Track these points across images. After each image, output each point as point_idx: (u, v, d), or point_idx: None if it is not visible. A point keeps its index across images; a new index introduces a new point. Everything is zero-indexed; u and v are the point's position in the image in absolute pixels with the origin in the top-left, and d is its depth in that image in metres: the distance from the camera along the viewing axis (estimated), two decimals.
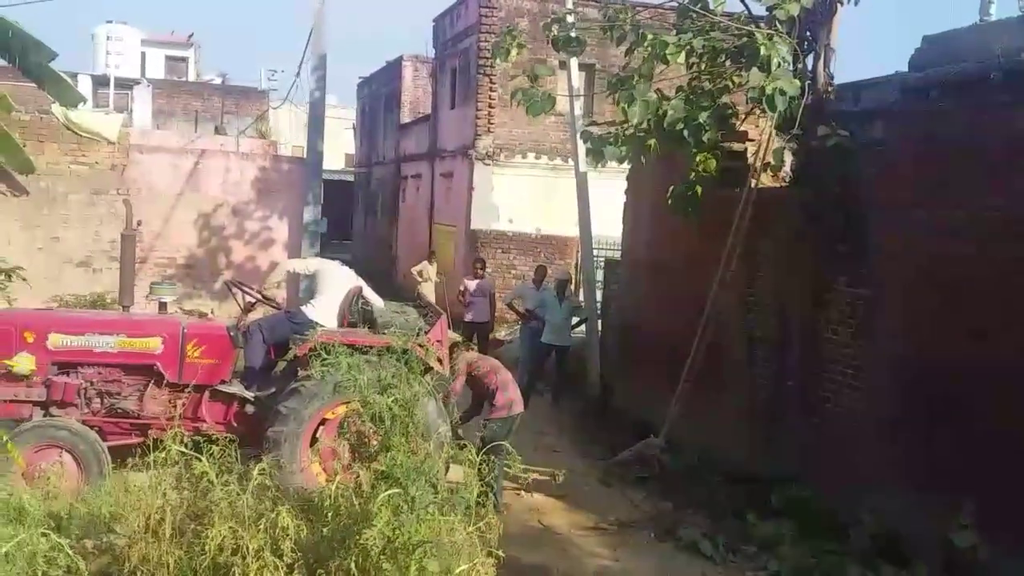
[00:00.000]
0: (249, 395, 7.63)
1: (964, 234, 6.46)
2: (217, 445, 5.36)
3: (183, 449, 5.32)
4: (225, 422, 7.60)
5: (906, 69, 7.28)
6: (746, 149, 9.10)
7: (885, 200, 7.25)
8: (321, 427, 7.23)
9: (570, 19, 9.66)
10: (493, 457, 6.88)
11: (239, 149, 15.53)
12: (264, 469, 5.30)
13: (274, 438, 7.10)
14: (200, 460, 5.16)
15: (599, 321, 12.80)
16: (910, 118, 7.05)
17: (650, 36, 8.18)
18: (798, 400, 8.18)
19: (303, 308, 8.09)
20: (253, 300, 8.18)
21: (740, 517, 7.76)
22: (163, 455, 5.24)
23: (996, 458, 6.15)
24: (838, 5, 8.07)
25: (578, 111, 12.95)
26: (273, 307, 8.47)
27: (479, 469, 6.15)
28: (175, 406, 7.32)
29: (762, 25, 8.00)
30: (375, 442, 5.54)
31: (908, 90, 7.06)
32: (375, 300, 8.23)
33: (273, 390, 7.59)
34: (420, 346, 7.18)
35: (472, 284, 13.91)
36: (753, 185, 8.51)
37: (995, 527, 6.08)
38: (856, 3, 8.15)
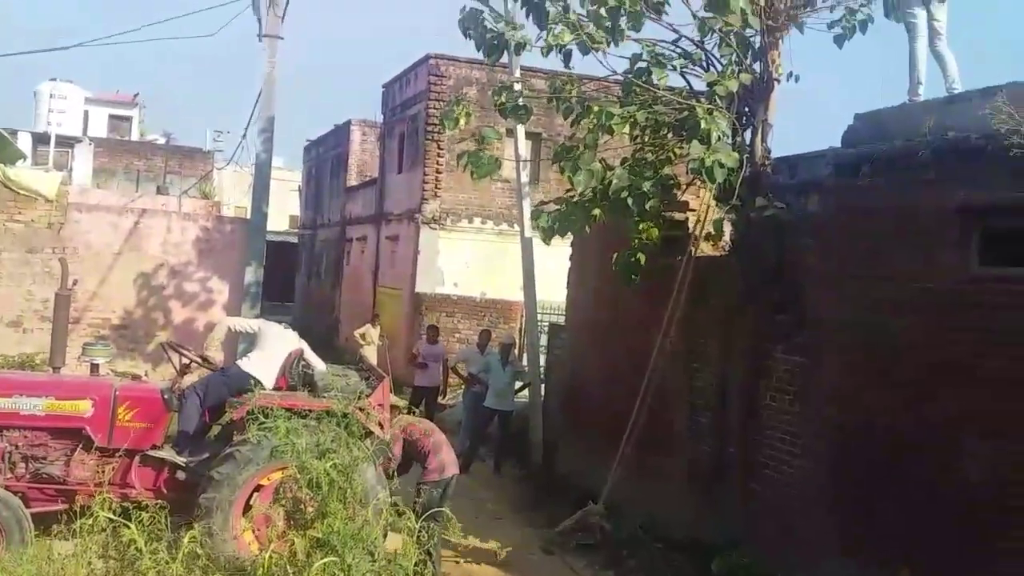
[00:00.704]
0: (181, 461, 7.40)
1: (895, 305, 6.66)
2: (147, 512, 5.18)
3: (111, 516, 5.12)
4: (155, 488, 7.34)
5: (839, 145, 7.56)
6: (687, 218, 9.31)
7: (820, 271, 7.45)
8: (256, 493, 7.02)
9: (517, 87, 9.86)
10: (432, 524, 6.76)
11: (181, 209, 15.37)
12: (195, 537, 5.13)
13: (206, 505, 6.87)
14: (128, 527, 4.97)
15: (542, 386, 12.80)
16: (843, 192, 7.29)
17: (596, 108, 8.38)
18: (739, 466, 8.22)
19: (238, 362, 7.93)
20: (189, 362, 7.99)
21: None
22: (90, 522, 5.04)
23: (931, 524, 6.24)
24: (775, 83, 8.38)
25: (524, 178, 13.14)
26: (211, 369, 8.28)
27: (417, 537, 6.03)
28: (104, 471, 7.08)
29: (703, 100, 8.26)
30: (312, 509, 5.41)
31: (841, 165, 7.32)
32: (316, 363, 8.11)
33: (207, 455, 7.37)
34: (361, 410, 7.07)
35: (425, 348, 13.88)
36: (693, 254, 8.68)
37: None
38: (796, 80, 8.47)
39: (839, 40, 8.63)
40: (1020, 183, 5.71)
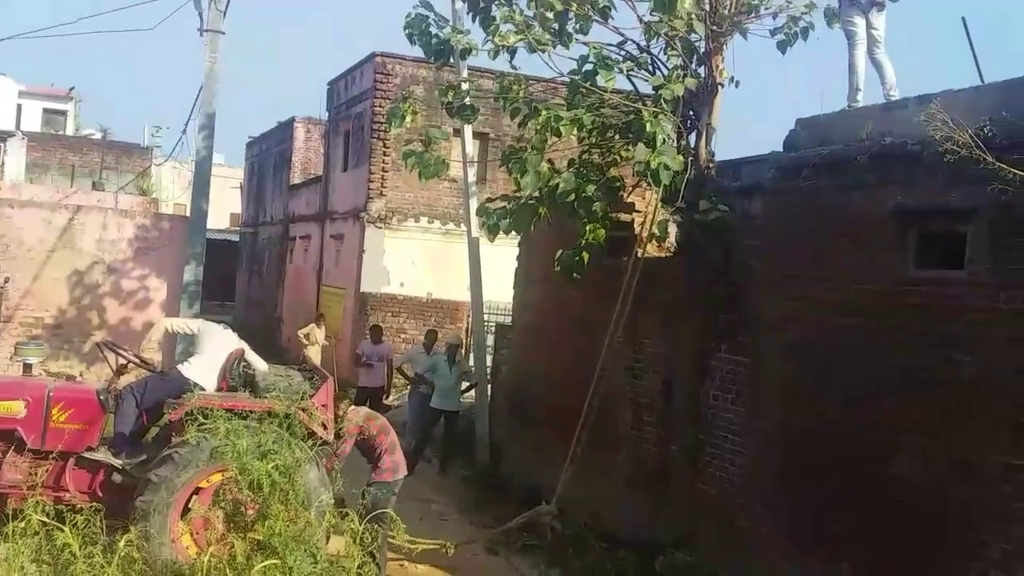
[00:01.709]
0: (117, 463, 7.21)
1: (835, 305, 6.80)
2: (81, 515, 5.03)
3: (44, 519, 4.96)
4: (91, 491, 7.14)
5: (781, 149, 7.69)
6: (633, 220, 9.39)
7: (762, 272, 7.58)
8: (195, 496, 6.88)
9: (465, 87, 9.83)
10: (376, 526, 6.70)
11: (118, 205, 15.02)
12: (131, 541, 5.00)
13: (143, 508, 6.70)
14: (62, 531, 4.82)
15: (489, 386, 12.79)
16: (785, 195, 7.43)
17: (544, 110, 8.40)
18: (683, 465, 8.31)
19: (179, 367, 7.75)
20: (126, 362, 7.80)
21: None
22: (22, 526, 4.87)
23: (872, 521, 6.38)
24: (719, 87, 8.50)
25: (472, 178, 13.12)
26: (149, 370, 8.09)
27: (361, 538, 5.97)
28: (37, 474, 6.87)
29: (648, 104, 8.34)
30: (252, 511, 5.32)
31: (783, 169, 7.46)
32: (258, 363, 7.97)
33: (144, 457, 7.20)
34: (303, 410, 6.98)
35: (369, 348, 13.76)
36: (640, 254, 8.76)
37: None
38: (737, 85, 8.61)
39: (782, 46, 8.80)
40: (954, 187, 5.88)
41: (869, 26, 7.90)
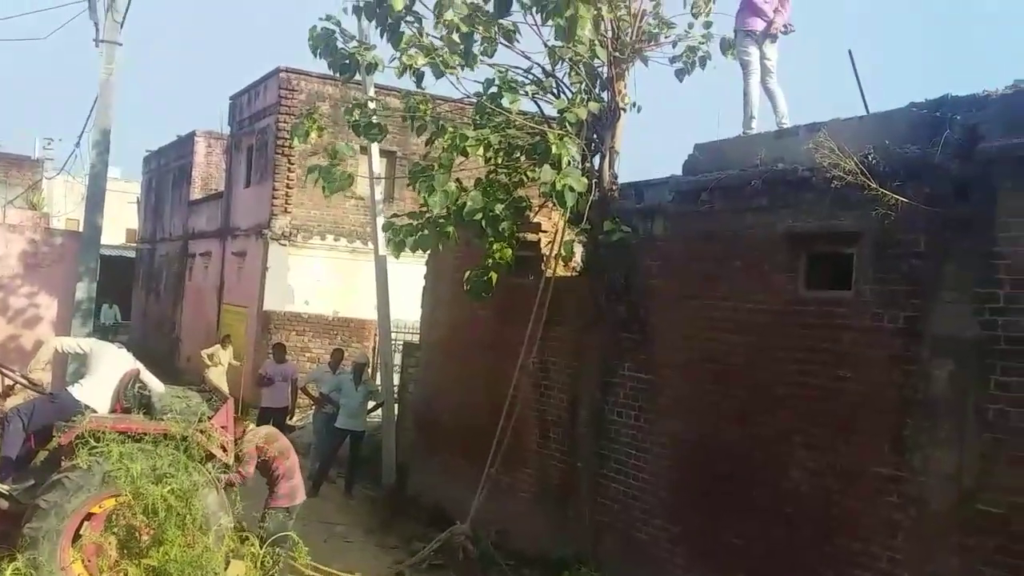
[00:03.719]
0: (3, 489, 6.87)
1: (731, 324, 7.05)
2: None
3: None
4: None
5: (680, 172, 7.95)
6: (540, 240, 9.52)
7: (663, 291, 7.80)
8: (86, 522, 6.62)
9: (372, 105, 9.80)
10: (277, 550, 6.57)
11: (6, 220, 14.36)
12: (19, 569, 4.78)
13: (31, 535, 6.42)
14: None
15: (396, 405, 12.69)
16: (684, 217, 7.68)
17: (451, 129, 8.46)
18: (587, 481, 8.44)
19: (69, 389, 7.45)
20: (12, 383, 7.46)
21: None
22: None
23: (766, 533, 6.61)
24: (621, 112, 8.73)
25: (379, 196, 13.05)
26: (37, 391, 7.75)
27: (262, 563, 5.85)
28: None
29: (554, 126, 8.50)
30: (147, 537, 5.16)
31: (682, 192, 7.71)
32: (154, 384, 7.72)
33: (32, 482, 6.89)
34: (201, 432, 6.81)
35: (273, 367, 13.46)
36: (548, 274, 8.89)
37: None
38: (639, 111, 8.86)
39: (680, 74, 9.11)
40: (841, 212, 6.20)
41: (763, 56, 8.26)
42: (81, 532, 6.57)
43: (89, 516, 6.64)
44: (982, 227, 5.41)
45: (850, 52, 7.51)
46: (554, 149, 7.88)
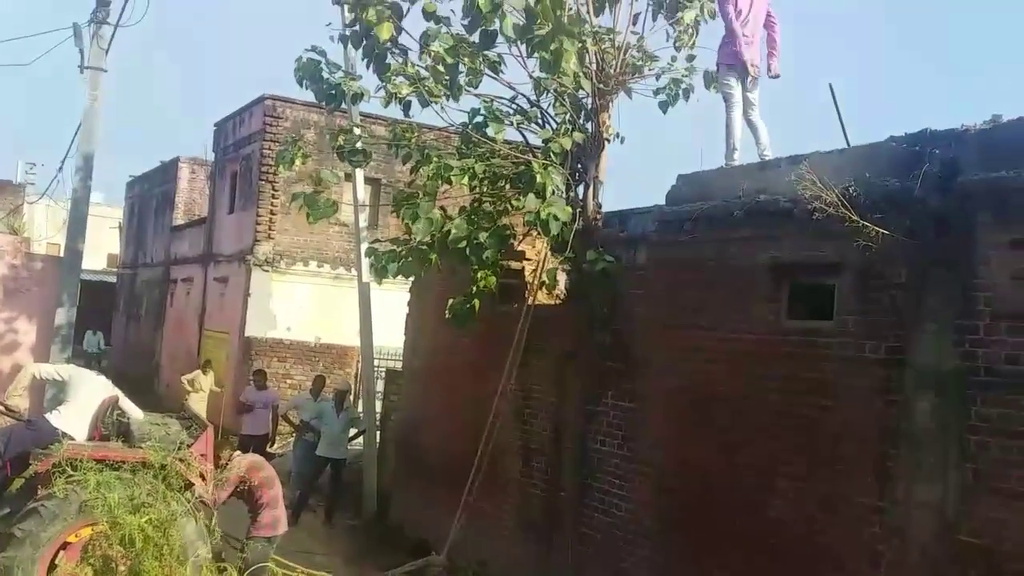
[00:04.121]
0: None
1: (714, 353, 7.07)
2: None
3: None
4: None
5: (664, 202, 8.00)
6: (523, 268, 9.54)
7: (646, 320, 7.82)
8: (62, 552, 6.52)
9: (357, 131, 9.83)
10: None
11: None
12: None
13: (6, 564, 6.34)
14: None
15: (378, 433, 12.61)
16: (667, 247, 7.72)
17: (435, 158, 8.49)
18: (571, 509, 8.39)
19: (47, 415, 7.37)
20: None
21: None
22: None
23: (748, 564, 6.59)
24: (605, 142, 8.81)
25: (363, 223, 13.06)
26: (14, 418, 7.65)
27: None
28: None
29: (538, 155, 8.55)
30: (124, 567, 5.08)
31: (665, 222, 7.76)
32: (133, 411, 7.65)
33: (7, 511, 6.80)
34: (181, 460, 6.74)
35: (253, 394, 13.35)
36: (531, 302, 8.89)
37: None
38: (622, 141, 8.94)
39: (663, 106, 9.19)
40: (823, 243, 6.25)
41: (745, 90, 8.36)
42: (57, 562, 6.48)
43: (65, 545, 6.55)
44: (962, 259, 5.47)
45: (831, 85, 7.61)
46: (539, 178, 7.91)
